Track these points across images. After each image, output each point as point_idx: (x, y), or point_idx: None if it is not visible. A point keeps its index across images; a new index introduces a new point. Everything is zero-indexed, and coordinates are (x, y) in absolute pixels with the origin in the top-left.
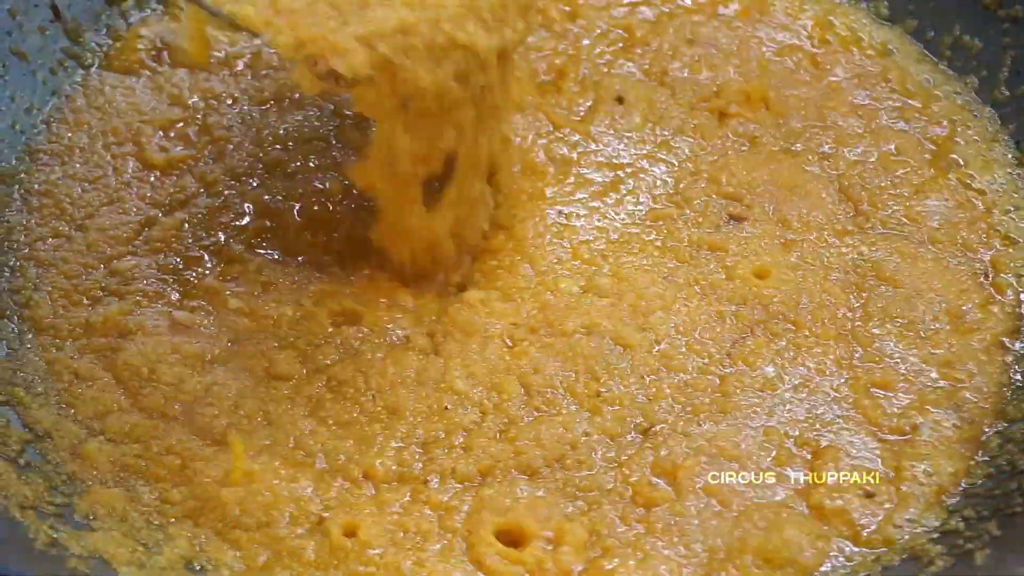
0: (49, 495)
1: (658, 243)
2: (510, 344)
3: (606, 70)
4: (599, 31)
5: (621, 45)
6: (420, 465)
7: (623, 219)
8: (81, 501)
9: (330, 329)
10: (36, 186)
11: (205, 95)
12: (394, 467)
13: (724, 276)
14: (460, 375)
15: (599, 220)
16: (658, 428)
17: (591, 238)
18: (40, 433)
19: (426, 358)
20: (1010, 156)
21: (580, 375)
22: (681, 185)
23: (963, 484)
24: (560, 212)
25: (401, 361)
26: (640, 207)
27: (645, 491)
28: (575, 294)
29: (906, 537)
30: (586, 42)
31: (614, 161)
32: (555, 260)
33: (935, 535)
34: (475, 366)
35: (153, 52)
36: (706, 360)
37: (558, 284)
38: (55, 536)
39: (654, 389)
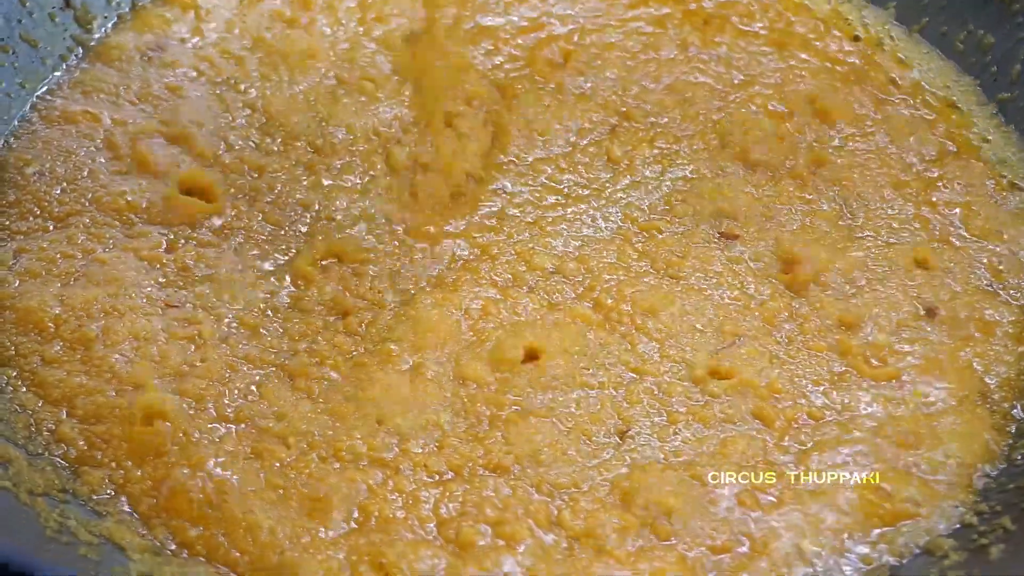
0: (59, 482)
1: (639, 246)
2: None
3: (615, 87)
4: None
5: (630, 62)
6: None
7: (608, 222)
8: (81, 485)
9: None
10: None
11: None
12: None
13: (708, 289)
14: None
15: (584, 216)
16: (634, 431)
17: (573, 230)
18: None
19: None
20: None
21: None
22: (674, 201)
23: (982, 472)
24: (537, 197)
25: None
26: (627, 215)
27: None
28: (547, 271)
29: (920, 529)
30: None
31: (603, 171)
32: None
33: (950, 529)
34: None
35: (148, 47)
36: (683, 366)
37: (532, 257)
38: (65, 523)
39: (629, 391)
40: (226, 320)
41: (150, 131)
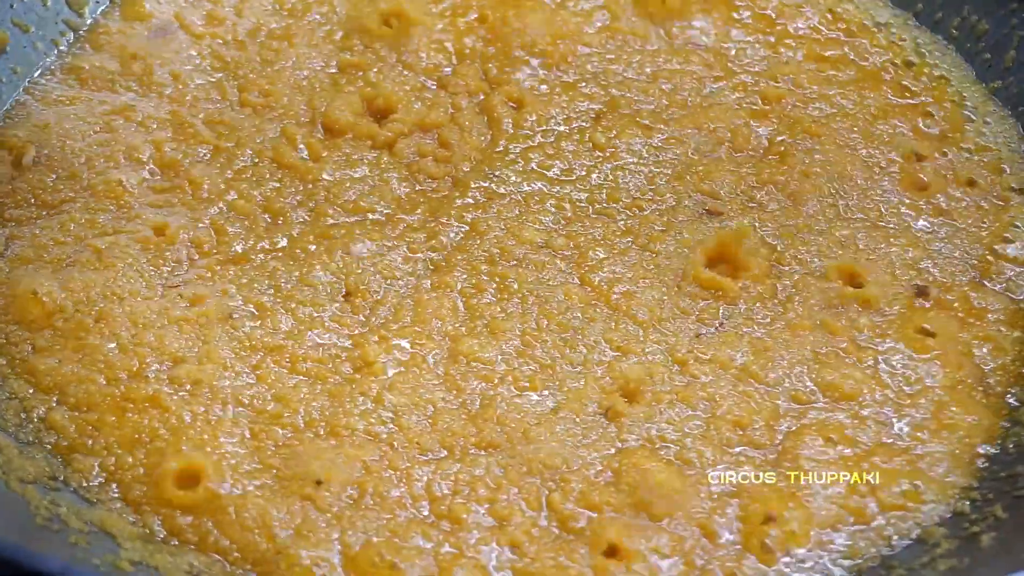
0: (50, 470)
1: (622, 225)
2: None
3: (602, 76)
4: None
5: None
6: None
7: (594, 200)
8: (71, 472)
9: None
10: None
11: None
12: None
13: (691, 267)
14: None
15: (568, 192)
16: (621, 411)
17: (558, 207)
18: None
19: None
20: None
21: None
22: (658, 180)
23: (981, 454)
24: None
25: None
26: (611, 193)
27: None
28: (537, 245)
29: (912, 517)
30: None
31: (587, 158)
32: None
33: (942, 517)
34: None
35: (151, 32)
36: (665, 347)
37: (522, 231)
38: (56, 511)
39: (616, 371)
40: (226, 301)
41: (149, 116)
